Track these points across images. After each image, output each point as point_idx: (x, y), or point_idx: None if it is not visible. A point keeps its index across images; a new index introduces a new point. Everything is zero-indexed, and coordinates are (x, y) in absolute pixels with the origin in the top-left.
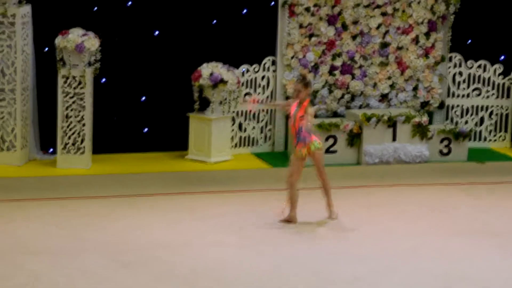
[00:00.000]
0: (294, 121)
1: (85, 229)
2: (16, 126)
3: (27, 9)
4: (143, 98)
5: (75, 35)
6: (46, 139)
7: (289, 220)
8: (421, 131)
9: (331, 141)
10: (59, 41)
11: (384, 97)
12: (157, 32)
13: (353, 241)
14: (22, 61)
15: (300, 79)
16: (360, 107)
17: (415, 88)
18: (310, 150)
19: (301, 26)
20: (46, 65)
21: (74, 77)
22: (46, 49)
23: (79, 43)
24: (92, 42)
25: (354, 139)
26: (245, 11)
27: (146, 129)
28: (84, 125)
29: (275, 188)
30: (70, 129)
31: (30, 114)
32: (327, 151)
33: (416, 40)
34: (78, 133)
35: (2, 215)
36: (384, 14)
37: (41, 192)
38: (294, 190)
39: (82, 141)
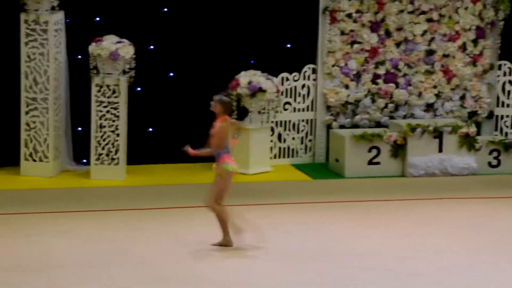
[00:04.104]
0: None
1: (118, 242)
2: (49, 136)
3: (59, 16)
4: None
5: (109, 42)
6: (80, 150)
7: (225, 244)
8: (468, 142)
9: (374, 152)
10: (92, 48)
11: (429, 107)
12: (194, 39)
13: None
14: (54, 69)
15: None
16: (405, 117)
17: (462, 98)
18: (221, 170)
19: (342, 33)
20: (79, 74)
21: (108, 86)
22: (79, 57)
23: (113, 50)
24: (126, 50)
25: (398, 150)
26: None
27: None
28: (118, 135)
29: (316, 201)
30: (104, 140)
31: (63, 123)
32: (370, 162)
33: (463, 48)
34: (112, 144)
35: (33, 227)
36: (429, 20)
37: (73, 204)
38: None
39: (116, 151)
